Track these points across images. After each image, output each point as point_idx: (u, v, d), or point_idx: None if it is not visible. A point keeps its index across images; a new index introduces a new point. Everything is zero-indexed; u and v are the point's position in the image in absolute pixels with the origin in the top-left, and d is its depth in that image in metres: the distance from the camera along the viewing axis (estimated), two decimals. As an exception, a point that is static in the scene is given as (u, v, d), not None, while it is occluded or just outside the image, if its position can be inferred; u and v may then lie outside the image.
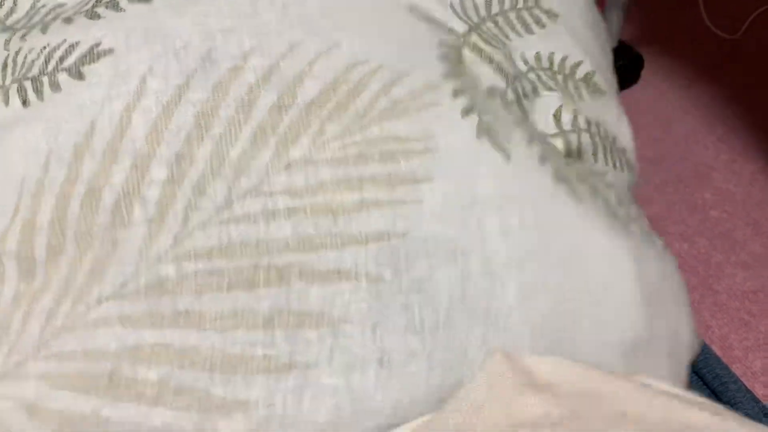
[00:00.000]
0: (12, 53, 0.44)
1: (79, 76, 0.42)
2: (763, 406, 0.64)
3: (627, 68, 1.36)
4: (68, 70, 0.42)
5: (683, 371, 0.45)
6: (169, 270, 0.37)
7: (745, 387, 0.66)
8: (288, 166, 0.39)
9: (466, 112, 0.42)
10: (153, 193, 0.39)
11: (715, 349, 0.85)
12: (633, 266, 0.42)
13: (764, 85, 1.33)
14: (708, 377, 0.68)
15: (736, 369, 0.83)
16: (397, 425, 0.37)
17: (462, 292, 0.38)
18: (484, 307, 0.38)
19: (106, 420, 0.35)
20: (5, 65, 0.44)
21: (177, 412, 0.35)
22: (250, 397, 0.36)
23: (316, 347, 0.36)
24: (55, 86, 0.42)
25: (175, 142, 0.40)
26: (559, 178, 0.42)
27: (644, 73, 1.38)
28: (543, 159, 0.43)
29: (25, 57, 0.44)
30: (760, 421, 0.59)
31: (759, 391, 0.81)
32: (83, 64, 0.42)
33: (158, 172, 0.39)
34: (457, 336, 0.38)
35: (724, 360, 0.79)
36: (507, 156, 0.42)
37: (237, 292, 0.37)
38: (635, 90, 1.36)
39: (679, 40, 1.44)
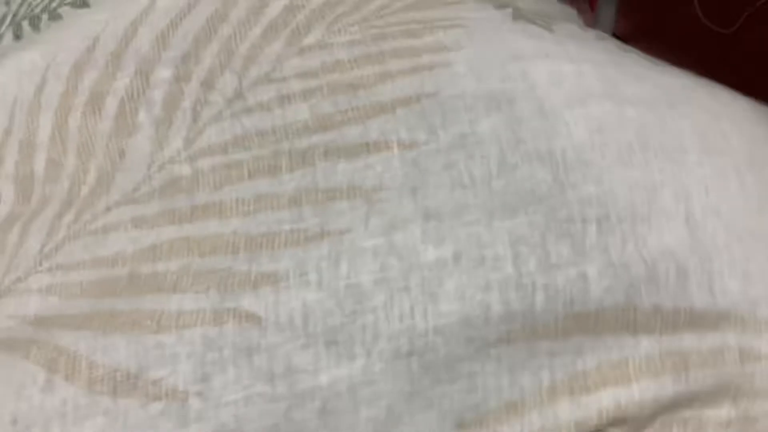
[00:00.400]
0: (14, 6, 0.43)
1: (83, 4, 0.41)
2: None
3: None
4: (72, 3, 0.41)
5: None
6: (183, 169, 0.35)
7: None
8: (301, 51, 0.37)
9: (501, 6, 0.38)
10: (158, 93, 0.37)
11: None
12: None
13: (755, 81, 1.33)
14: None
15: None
16: (459, 283, 0.32)
17: (514, 138, 0.34)
18: (546, 149, 0.33)
19: (120, 312, 0.32)
20: (4, 17, 0.43)
21: (195, 294, 0.32)
22: (278, 269, 0.32)
23: (349, 215, 0.33)
24: (55, 17, 0.41)
25: (181, 45, 0.38)
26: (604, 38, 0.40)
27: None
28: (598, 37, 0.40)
29: (30, 4, 0.43)
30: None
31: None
32: None
33: (163, 73, 0.37)
34: (517, 181, 0.33)
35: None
36: (549, 29, 0.38)
37: (258, 180, 0.34)
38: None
39: (672, 35, 1.44)
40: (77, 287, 0.33)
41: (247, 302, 0.31)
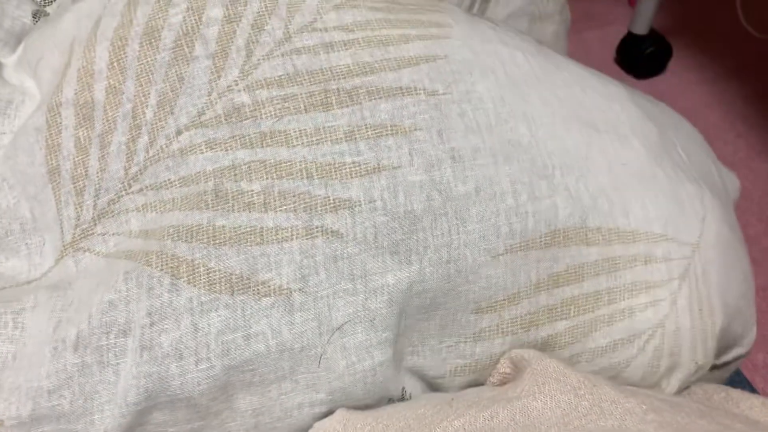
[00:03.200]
0: None
1: None
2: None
3: (655, 56, 1.35)
4: None
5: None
6: (243, 98, 0.41)
7: (746, 378, 0.67)
8: (336, 8, 0.44)
9: (458, 4, 0.49)
10: (211, 31, 0.42)
11: (719, 339, 0.86)
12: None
13: (790, 88, 1.33)
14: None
15: (738, 360, 0.84)
16: (479, 210, 0.42)
17: (501, 99, 0.44)
18: (521, 111, 0.45)
19: (222, 228, 0.39)
20: None
21: (286, 213, 0.39)
22: (351, 196, 0.40)
23: (396, 152, 0.41)
24: None
25: None
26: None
27: (671, 63, 1.37)
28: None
29: None
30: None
31: (758, 384, 0.82)
32: None
33: (214, 12, 0.42)
34: (507, 131, 0.44)
35: (727, 351, 0.80)
36: (494, 24, 0.49)
37: (314, 113, 0.41)
38: (660, 80, 1.35)
39: (711, 34, 1.44)
40: (170, 203, 0.39)
41: (330, 221, 0.40)
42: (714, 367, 0.53)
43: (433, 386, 0.44)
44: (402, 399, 0.43)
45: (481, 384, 0.45)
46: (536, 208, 0.43)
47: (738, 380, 0.67)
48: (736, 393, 0.49)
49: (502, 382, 0.43)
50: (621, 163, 0.46)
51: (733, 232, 0.50)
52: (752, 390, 0.67)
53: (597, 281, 0.45)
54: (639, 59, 1.35)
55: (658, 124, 0.50)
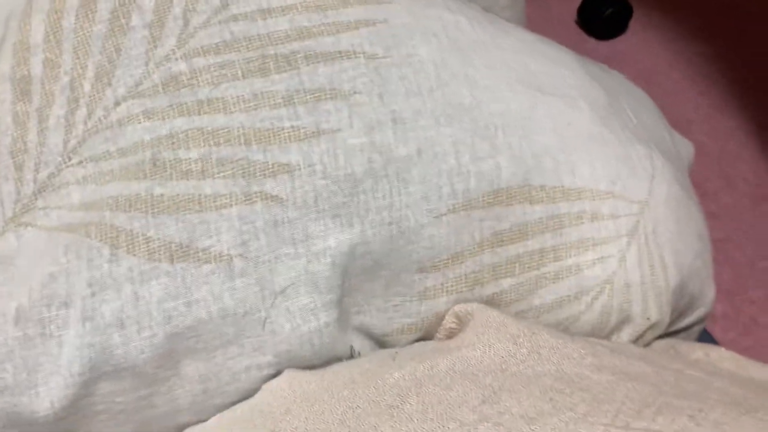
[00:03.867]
0: None
1: None
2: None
3: (616, 17, 1.35)
4: None
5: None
6: (180, 67, 0.41)
7: (705, 329, 0.68)
8: None
9: None
10: (148, 1, 0.41)
11: (679, 292, 0.87)
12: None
13: (750, 45, 1.34)
14: (670, 318, 0.70)
15: (697, 312, 0.85)
16: (420, 172, 0.42)
17: (442, 62, 0.44)
18: (463, 73, 0.45)
19: (161, 196, 0.39)
20: None
21: (224, 179, 0.39)
22: (290, 160, 0.40)
23: (336, 116, 0.41)
24: None
25: None
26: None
27: (632, 23, 1.37)
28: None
29: None
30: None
31: (717, 334, 0.83)
32: None
33: None
34: (449, 94, 0.44)
35: (687, 303, 0.81)
36: None
37: (252, 79, 0.41)
38: (621, 40, 1.36)
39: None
40: (109, 174, 0.39)
41: (270, 186, 0.40)
42: (678, 331, 0.53)
43: (381, 344, 0.45)
44: (351, 357, 0.43)
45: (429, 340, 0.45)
46: (479, 168, 0.43)
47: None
48: (684, 346, 0.49)
49: (449, 337, 0.44)
50: (567, 123, 0.46)
51: (686, 193, 0.50)
52: (712, 340, 0.68)
53: (542, 239, 0.44)
54: (599, 20, 1.35)
55: (607, 89, 0.50)
